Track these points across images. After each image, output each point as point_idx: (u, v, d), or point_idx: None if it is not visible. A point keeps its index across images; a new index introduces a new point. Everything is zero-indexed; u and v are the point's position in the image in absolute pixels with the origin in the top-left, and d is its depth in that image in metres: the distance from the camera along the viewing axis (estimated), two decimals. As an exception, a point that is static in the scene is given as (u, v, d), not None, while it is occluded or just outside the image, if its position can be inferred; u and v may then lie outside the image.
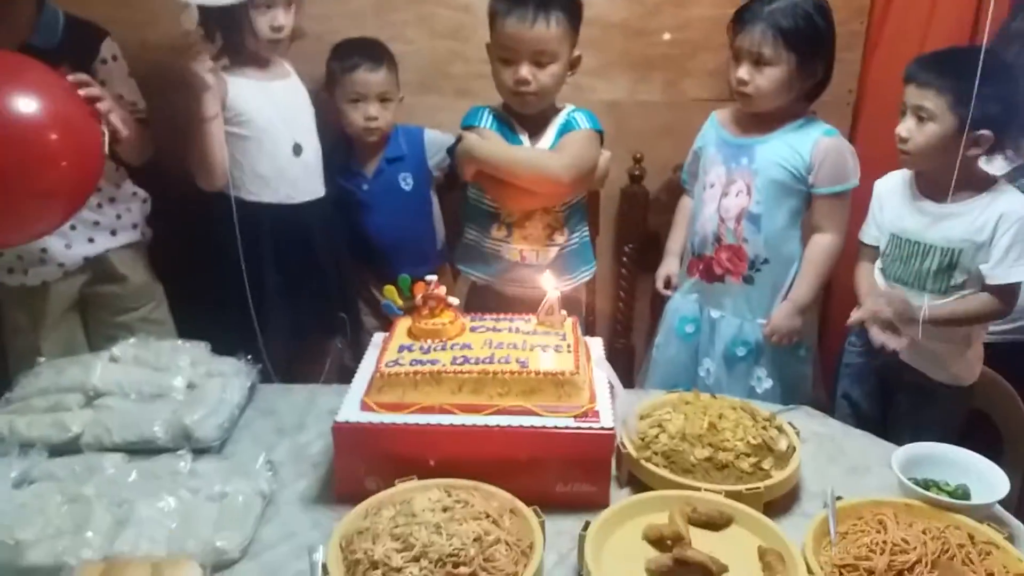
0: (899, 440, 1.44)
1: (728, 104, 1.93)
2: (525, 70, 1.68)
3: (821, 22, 1.70)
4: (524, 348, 1.39)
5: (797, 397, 1.80)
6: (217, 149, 1.75)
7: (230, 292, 1.77)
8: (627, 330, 2.30)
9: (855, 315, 1.70)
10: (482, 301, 1.82)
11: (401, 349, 1.40)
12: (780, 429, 1.41)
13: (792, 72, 1.70)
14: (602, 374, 1.45)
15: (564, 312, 1.48)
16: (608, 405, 1.34)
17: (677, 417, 1.40)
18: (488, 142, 1.73)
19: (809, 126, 1.77)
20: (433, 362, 1.34)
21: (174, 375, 1.53)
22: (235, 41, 1.78)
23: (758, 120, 1.80)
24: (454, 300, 1.47)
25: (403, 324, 1.49)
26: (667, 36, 2.12)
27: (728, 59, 1.81)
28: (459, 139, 1.78)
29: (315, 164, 1.92)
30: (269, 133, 1.83)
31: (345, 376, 1.91)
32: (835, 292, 2.13)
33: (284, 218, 1.86)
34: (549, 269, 1.74)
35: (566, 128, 1.75)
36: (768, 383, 1.82)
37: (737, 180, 1.80)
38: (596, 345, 1.55)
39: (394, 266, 2.04)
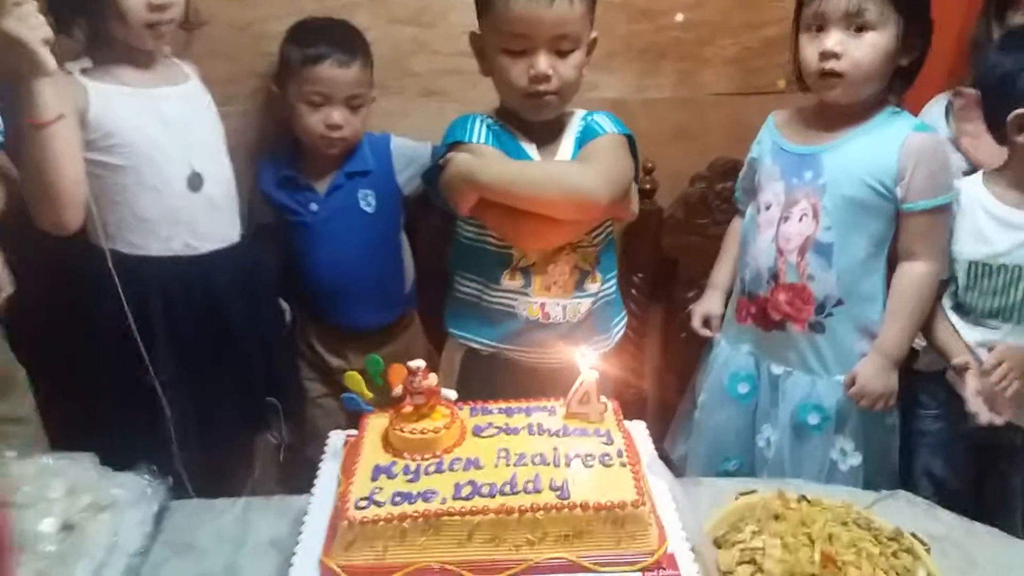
0: (1011, 522, 1.15)
1: (769, 96, 1.55)
2: (543, 62, 1.26)
3: None
4: (557, 462, 0.97)
5: (885, 475, 1.44)
6: (66, 167, 1.22)
7: (118, 380, 1.33)
8: (637, 376, 1.90)
9: (971, 390, 1.32)
10: (483, 373, 1.38)
11: (376, 474, 0.96)
12: (911, 551, 1.03)
13: (898, 41, 1.31)
14: (662, 484, 1.04)
15: (604, 399, 1.06)
16: (684, 543, 0.93)
17: (772, 544, 0.99)
18: (491, 159, 1.29)
19: (893, 120, 1.37)
20: (427, 496, 0.91)
21: (41, 515, 1.05)
22: (98, 30, 1.29)
23: (826, 119, 1.40)
24: (450, 393, 1.03)
25: (375, 428, 1.04)
26: (680, 17, 1.74)
27: (790, 35, 1.41)
28: (439, 159, 1.33)
29: (224, 199, 1.45)
30: (154, 161, 1.35)
31: (288, 478, 1.47)
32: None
33: (182, 276, 1.39)
34: (580, 332, 1.33)
35: (586, 136, 1.33)
36: (855, 458, 1.43)
37: (800, 200, 1.40)
38: (640, 434, 1.13)
39: (348, 314, 1.63)
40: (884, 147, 1.34)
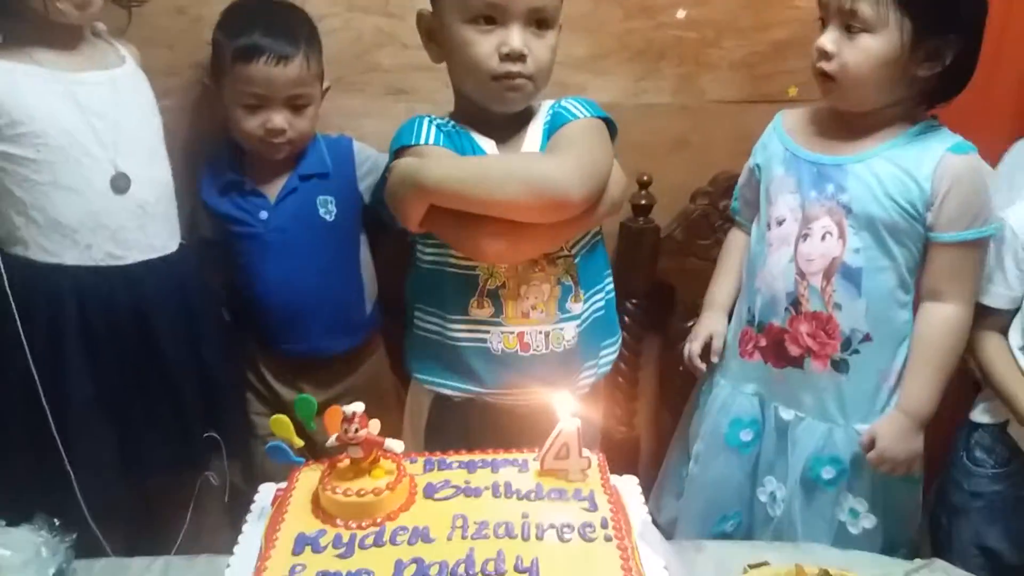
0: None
1: (778, 105, 1.37)
2: (517, 38, 1.09)
3: None
4: (527, 534, 0.78)
5: (905, 539, 1.26)
6: None
7: (14, 411, 1.13)
8: (630, 414, 1.71)
9: None
10: (456, 421, 1.18)
11: (300, 546, 0.77)
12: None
13: (904, 47, 1.13)
14: (657, 559, 0.84)
15: (588, 454, 0.87)
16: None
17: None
18: (439, 159, 1.12)
19: (929, 136, 1.19)
20: (360, 577, 0.72)
21: None
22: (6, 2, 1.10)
23: (849, 126, 1.23)
24: (395, 444, 0.84)
25: (305, 485, 0.85)
26: (681, 14, 1.56)
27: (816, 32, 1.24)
28: (385, 172, 1.17)
29: (158, 205, 1.25)
30: (71, 156, 1.16)
31: (234, 524, 1.29)
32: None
33: (103, 289, 1.20)
34: (567, 362, 1.15)
35: (555, 124, 1.15)
36: (869, 521, 1.24)
37: (821, 216, 1.21)
38: (631, 493, 0.94)
39: (303, 338, 1.43)
40: (917, 164, 1.17)
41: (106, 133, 1.18)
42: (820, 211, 1.21)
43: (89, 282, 1.19)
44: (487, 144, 1.16)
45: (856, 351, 1.21)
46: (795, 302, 1.24)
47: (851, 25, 1.15)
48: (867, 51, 1.15)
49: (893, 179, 1.17)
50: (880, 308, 1.20)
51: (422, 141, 1.14)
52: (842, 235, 1.19)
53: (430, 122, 1.17)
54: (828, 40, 1.17)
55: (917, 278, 1.22)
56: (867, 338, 1.21)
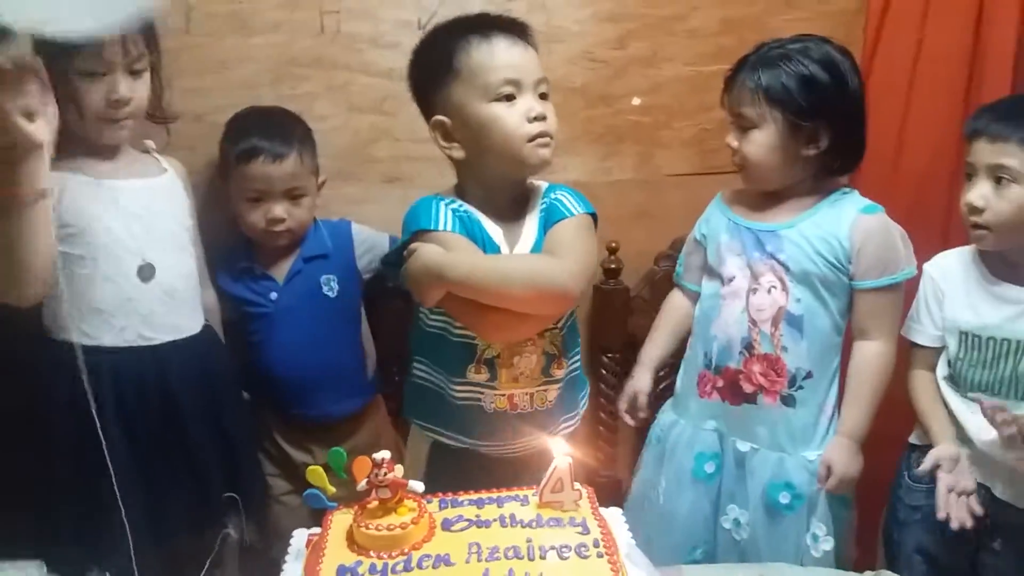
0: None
1: (725, 176, 1.57)
2: (537, 104, 1.24)
3: (822, 75, 1.35)
4: (532, 555, 0.92)
5: (846, 553, 1.41)
6: (42, 244, 1.18)
7: (66, 477, 1.26)
8: (611, 460, 1.86)
9: (942, 491, 1.29)
10: (452, 466, 1.31)
11: (342, 575, 0.90)
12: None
13: (783, 135, 1.36)
14: (641, 574, 0.99)
15: (579, 487, 1.02)
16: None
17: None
18: (460, 255, 1.23)
19: (842, 201, 1.40)
20: (395, 597, 0.86)
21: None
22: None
23: (776, 199, 1.43)
24: (417, 485, 0.99)
25: (339, 525, 0.99)
26: (636, 101, 1.77)
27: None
28: (400, 248, 1.29)
29: (183, 290, 1.40)
30: (109, 251, 1.31)
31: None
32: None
33: (135, 367, 1.33)
34: (548, 416, 1.29)
35: (550, 215, 1.29)
36: (827, 543, 1.39)
37: (766, 272, 1.41)
38: (616, 521, 1.09)
39: (312, 404, 1.57)
40: (835, 227, 1.37)
41: (138, 231, 1.34)
42: (764, 268, 1.40)
43: (123, 361, 1.32)
44: (495, 231, 1.28)
45: (801, 387, 1.39)
46: (748, 345, 1.41)
47: (742, 125, 1.38)
48: (755, 143, 1.38)
49: (819, 240, 1.37)
50: (819, 349, 1.39)
51: (440, 228, 1.24)
52: (784, 288, 1.38)
53: (446, 205, 1.27)
54: (731, 139, 1.41)
55: (848, 321, 1.41)
56: (809, 375, 1.39)
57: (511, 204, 1.31)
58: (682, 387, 1.54)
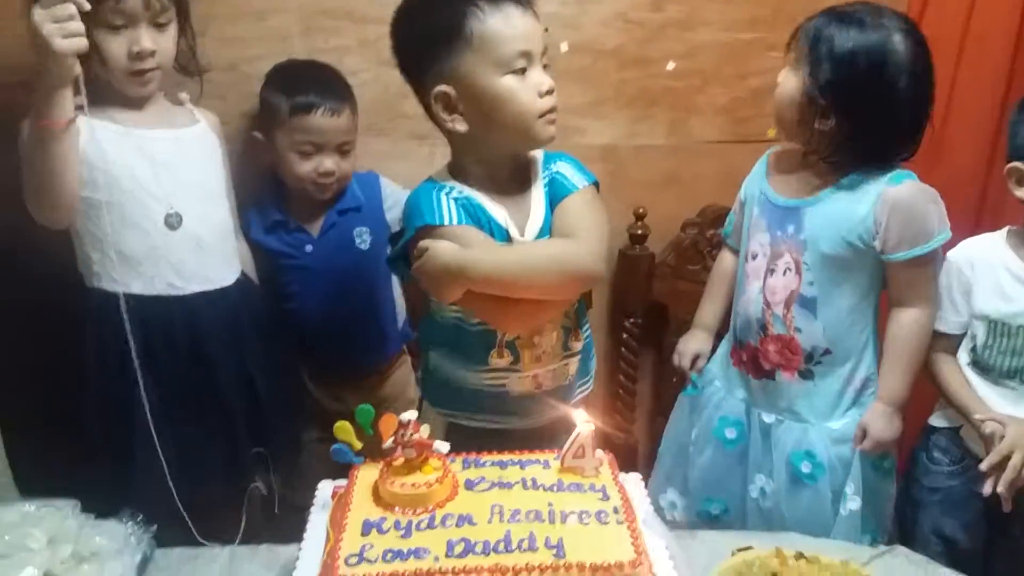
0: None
1: (758, 145, 1.52)
2: (546, 77, 1.18)
3: (864, 68, 1.26)
4: (553, 519, 0.94)
5: (881, 523, 1.42)
6: (70, 171, 1.24)
7: (103, 420, 1.29)
8: (629, 422, 1.88)
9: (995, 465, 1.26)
10: (470, 443, 1.22)
11: (367, 529, 0.93)
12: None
13: (801, 94, 1.30)
14: (658, 540, 1.01)
15: (600, 453, 1.04)
16: (682, 604, 0.91)
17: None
18: (480, 251, 1.17)
19: (870, 177, 1.34)
20: (419, 553, 0.89)
21: (21, 565, 1.01)
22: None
23: (807, 172, 1.40)
24: (442, 446, 1.01)
25: (365, 481, 1.02)
26: (671, 65, 1.73)
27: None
28: (408, 243, 1.23)
29: (213, 241, 1.40)
30: (136, 198, 1.32)
31: (278, 522, 1.43)
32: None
33: (164, 317, 1.35)
34: (567, 387, 1.30)
35: (555, 191, 1.24)
36: (855, 503, 1.39)
37: (784, 253, 1.39)
38: (635, 487, 1.11)
39: (342, 353, 1.60)
40: (858, 203, 1.33)
41: (166, 178, 1.34)
42: (783, 248, 1.38)
43: (152, 310, 1.34)
44: (500, 213, 1.22)
45: (819, 363, 1.38)
46: (763, 326, 1.41)
47: (789, 61, 1.34)
48: (783, 85, 1.34)
49: (842, 217, 1.33)
50: (836, 328, 1.37)
51: (446, 222, 1.18)
52: (798, 271, 1.36)
53: (447, 195, 1.21)
54: (783, 72, 1.35)
55: (880, 295, 1.39)
56: (827, 352, 1.38)
57: (512, 178, 1.26)
58: (723, 351, 1.55)
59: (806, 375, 1.40)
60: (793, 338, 1.39)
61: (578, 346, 1.32)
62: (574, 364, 1.32)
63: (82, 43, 1.13)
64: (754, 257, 1.44)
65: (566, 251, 1.19)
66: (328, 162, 1.50)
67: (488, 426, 1.30)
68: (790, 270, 1.38)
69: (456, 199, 1.21)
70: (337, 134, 1.49)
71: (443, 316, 1.29)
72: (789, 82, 1.33)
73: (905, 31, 1.28)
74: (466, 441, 1.11)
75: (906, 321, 1.36)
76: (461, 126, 1.20)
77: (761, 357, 1.42)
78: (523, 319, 1.21)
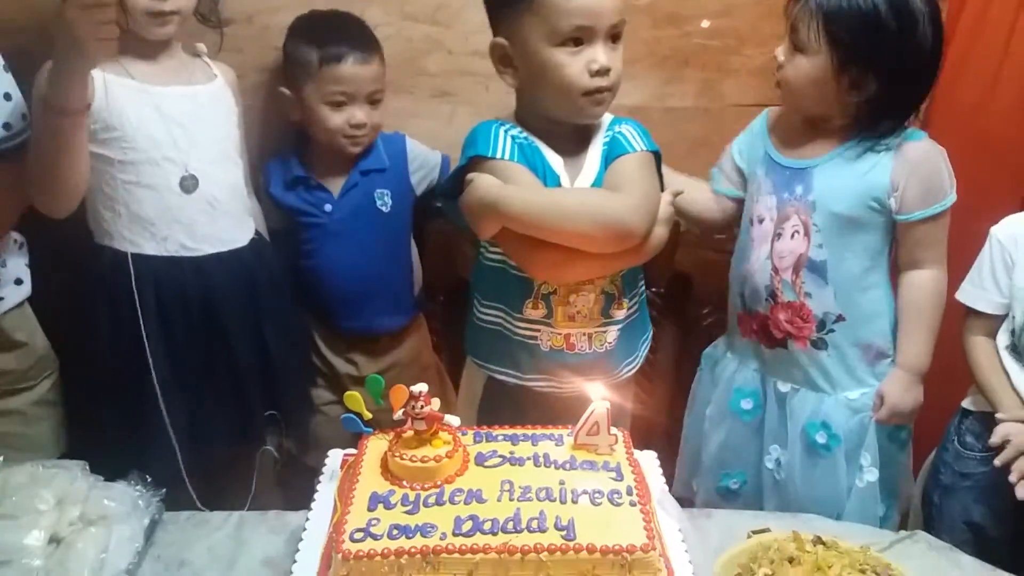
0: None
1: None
2: (604, 55, 1.17)
3: (888, 17, 1.23)
4: (564, 498, 0.92)
5: (896, 497, 1.40)
6: (79, 158, 1.21)
7: (113, 382, 1.28)
8: (648, 395, 1.84)
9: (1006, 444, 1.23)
10: (507, 402, 1.30)
11: (374, 503, 0.92)
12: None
13: (827, 71, 1.26)
14: (671, 521, 0.99)
15: (615, 431, 1.01)
16: (694, 589, 0.89)
17: (787, 594, 0.95)
18: (519, 188, 1.17)
19: (882, 134, 1.31)
20: (426, 530, 0.87)
21: (28, 527, 1.02)
22: None
23: (815, 132, 1.35)
24: (453, 419, 0.98)
25: (374, 451, 1.00)
26: (706, 23, 1.66)
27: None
28: (459, 172, 1.24)
29: (227, 202, 1.38)
30: (151, 158, 1.30)
31: (288, 483, 1.42)
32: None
33: (177, 278, 1.33)
34: (607, 360, 1.27)
35: (613, 149, 1.23)
36: (872, 474, 1.37)
37: (791, 216, 1.35)
38: (650, 465, 1.09)
39: (359, 318, 1.58)
40: (874, 162, 1.30)
41: (182, 140, 1.32)
42: (791, 211, 1.35)
43: (165, 270, 1.33)
44: (556, 161, 1.23)
45: (832, 330, 1.35)
46: (772, 293, 1.38)
47: (793, 43, 1.28)
48: (799, 68, 1.29)
49: (855, 176, 1.30)
50: (848, 292, 1.34)
51: (499, 156, 1.20)
52: (807, 233, 1.33)
53: (505, 132, 1.22)
54: (780, 52, 1.31)
55: (890, 255, 1.35)
56: (840, 318, 1.34)
57: (572, 135, 1.25)
58: (731, 324, 1.52)
59: (818, 344, 1.37)
60: (804, 304, 1.35)
61: (620, 315, 1.28)
62: (613, 333, 1.28)
63: (113, 49, 1.10)
64: (760, 221, 1.40)
65: (602, 201, 1.18)
66: (359, 113, 1.46)
67: (523, 384, 1.28)
68: (798, 233, 1.34)
69: (514, 137, 1.22)
70: (368, 83, 1.46)
71: (488, 259, 1.29)
72: (802, 66, 1.28)
73: None
74: (504, 399, 1.16)
75: (921, 282, 1.33)
76: (511, 80, 1.22)
77: (772, 326, 1.39)
78: (553, 267, 1.20)
